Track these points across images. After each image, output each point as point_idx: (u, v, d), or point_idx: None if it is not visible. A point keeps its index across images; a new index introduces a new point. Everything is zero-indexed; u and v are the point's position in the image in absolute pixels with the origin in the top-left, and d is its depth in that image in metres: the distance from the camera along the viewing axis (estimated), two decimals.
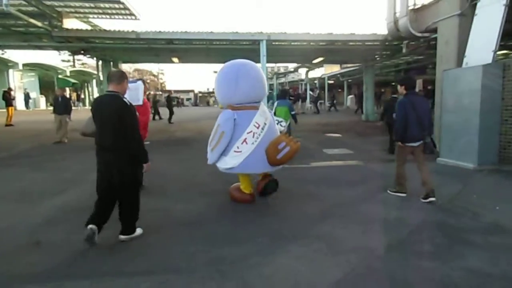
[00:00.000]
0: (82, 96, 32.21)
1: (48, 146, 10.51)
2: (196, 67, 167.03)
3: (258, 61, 16.36)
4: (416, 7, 9.75)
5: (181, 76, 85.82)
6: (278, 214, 4.53)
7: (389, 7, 10.24)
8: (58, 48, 12.52)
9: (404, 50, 11.69)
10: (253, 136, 4.40)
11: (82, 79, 37.99)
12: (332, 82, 37.41)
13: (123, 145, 3.27)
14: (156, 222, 4.17)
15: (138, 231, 3.66)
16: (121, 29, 10.82)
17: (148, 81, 60.53)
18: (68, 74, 34.34)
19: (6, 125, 15.74)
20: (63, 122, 10.91)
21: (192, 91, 55.83)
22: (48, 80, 34.47)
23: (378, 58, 17.11)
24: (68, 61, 40.36)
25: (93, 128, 3.53)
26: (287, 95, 9.34)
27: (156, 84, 62.99)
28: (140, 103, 4.58)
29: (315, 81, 36.98)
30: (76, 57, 14.40)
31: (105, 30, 10.48)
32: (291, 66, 34.05)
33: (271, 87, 33.46)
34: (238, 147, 4.41)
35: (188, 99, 52.22)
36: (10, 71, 28.15)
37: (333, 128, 14.99)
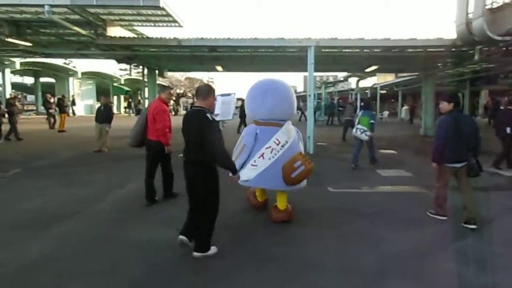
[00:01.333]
0: (133, 103, 33.22)
1: (88, 154, 10.39)
2: (243, 76, 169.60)
3: (305, 70, 15.44)
4: (495, 6, 8.26)
5: (230, 85, 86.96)
6: (315, 266, 3.48)
7: (459, 7, 8.82)
8: (103, 56, 12.62)
9: (476, 57, 10.09)
10: (271, 152, 4.44)
11: (135, 87, 39.52)
12: (384, 92, 35.23)
13: (204, 160, 3.34)
14: None
15: (213, 249, 3.54)
16: (163, 37, 10.51)
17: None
18: (122, 82, 35.89)
19: (59, 131, 16.32)
20: (103, 131, 10.78)
21: (241, 99, 55.63)
22: (104, 88, 36.25)
23: (441, 66, 15.34)
24: (125, 69, 42.34)
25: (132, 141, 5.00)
26: (370, 106, 9.09)
27: None
28: (231, 117, 4.32)
29: (367, 91, 35.05)
30: (133, 65, 14.55)
31: (147, 37, 10.23)
32: (341, 75, 32.69)
33: (319, 96, 32.21)
34: (255, 161, 4.47)
35: (237, 107, 52.18)
36: (70, 79, 29.85)
37: (387, 143, 13.52)
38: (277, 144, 4.47)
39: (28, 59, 23.66)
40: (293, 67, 15.11)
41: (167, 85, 45.15)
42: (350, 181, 7.37)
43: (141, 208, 5.31)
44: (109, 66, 31.85)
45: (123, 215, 5.01)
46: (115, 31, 10.61)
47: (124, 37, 10.34)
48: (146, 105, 27.44)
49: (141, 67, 14.84)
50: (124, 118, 29.57)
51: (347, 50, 12.51)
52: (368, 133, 8.35)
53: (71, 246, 3.93)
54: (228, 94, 4.49)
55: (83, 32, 10.24)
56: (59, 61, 27.58)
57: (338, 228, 4.46)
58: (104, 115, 10.73)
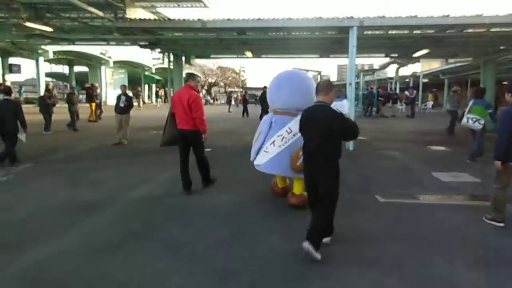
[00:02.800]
0: (162, 92, 32.83)
1: (107, 147, 9.69)
2: (275, 62, 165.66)
3: (345, 53, 13.90)
4: None
5: (262, 73, 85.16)
6: None
7: None
8: (123, 41, 11.85)
9: None
10: (282, 140, 4.63)
11: (167, 76, 39.19)
12: (426, 80, 32.51)
13: (330, 155, 3.35)
14: None
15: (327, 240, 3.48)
16: (187, 19, 9.48)
17: (230, 78, 61.36)
18: (153, 71, 35.66)
19: (89, 121, 15.93)
20: (123, 122, 10.02)
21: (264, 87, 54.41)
22: (136, 77, 36.24)
23: (504, 50, 13.27)
24: (159, 58, 42.16)
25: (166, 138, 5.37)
26: (484, 95, 8.43)
27: (237, 82, 63.38)
28: None
29: (407, 79, 32.54)
30: (157, 51, 13.79)
31: (169, 19, 9.26)
32: (377, 62, 30.39)
33: (357, 85, 30.20)
34: (267, 148, 4.74)
35: (256, 96, 51.17)
36: (102, 67, 29.85)
37: (436, 138, 11.87)
38: (289, 133, 4.61)
39: (60, 48, 23.72)
40: (331, 51, 13.66)
41: (195, 73, 44.74)
42: (402, 187, 6.05)
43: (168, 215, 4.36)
44: (142, 55, 31.30)
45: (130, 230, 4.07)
46: (135, 13, 9.71)
47: (144, 19, 9.42)
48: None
49: (166, 53, 13.96)
50: (151, 108, 29.42)
51: (394, 32, 10.93)
52: (482, 121, 7.85)
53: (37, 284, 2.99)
54: (341, 100, 4.54)
55: (102, 14, 9.44)
56: (92, 50, 27.53)
57: (401, 270, 3.19)
58: (125, 106, 9.95)
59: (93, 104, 16.59)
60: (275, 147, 4.65)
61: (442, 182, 6.38)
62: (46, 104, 12.21)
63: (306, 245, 3.17)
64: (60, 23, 11.29)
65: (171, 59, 14.10)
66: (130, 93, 19.23)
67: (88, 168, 7.15)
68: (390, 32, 10.77)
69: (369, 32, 10.84)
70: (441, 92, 30.80)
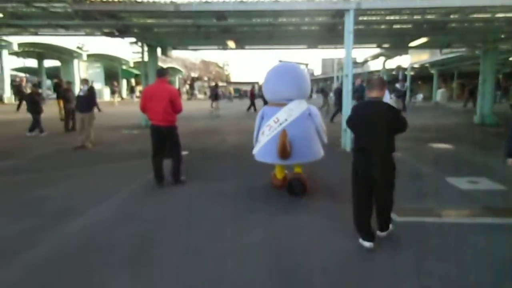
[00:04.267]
0: (138, 88, 30.97)
1: (66, 152, 8.28)
2: (260, 54, 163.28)
3: (335, 43, 12.76)
4: None
5: (246, 67, 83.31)
6: None
7: None
8: (85, 28, 10.35)
9: None
10: (269, 129, 4.83)
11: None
12: (412, 73, 31.75)
13: (390, 148, 3.43)
14: None
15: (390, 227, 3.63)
16: (156, 1, 8.10)
17: (213, 72, 59.70)
18: (132, 65, 33.82)
19: (61, 120, 14.33)
20: (85, 122, 8.62)
21: (257, 83, 53.53)
22: (113, 71, 34.32)
23: (504, 38, 12.35)
24: (139, 52, 39.85)
25: None
26: None
27: (221, 76, 61.82)
28: None
29: (393, 72, 31.76)
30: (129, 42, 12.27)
31: (136, 1, 7.88)
32: (361, 55, 29.34)
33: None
34: (258, 138, 5.05)
35: (245, 91, 49.90)
36: (75, 61, 27.89)
37: (437, 134, 10.90)
38: (275, 122, 4.80)
39: (26, 40, 21.78)
40: (319, 41, 12.47)
41: (177, 68, 42.98)
42: (416, 198, 4.97)
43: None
44: (120, 49, 29.61)
45: None
46: None
47: (106, 1, 7.98)
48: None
49: (139, 44, 12.48)
50: (127, 104, 27.78)
51: (391, 17, 9.81)
52: None
53: None
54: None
55: None
56: (65, 43, 25.57)
57: None
58: (86, 102, 8.54)
59: (60, 101, 15.10)
60: (264, 136, 4.88)
61: (461, 191, 5.34)
62: (34, 102, 10.71)
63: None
64: (14, 8, 9.72)
65: (145, 50, 12.61)
66: (98, 87, 17.81)
67: (34, 182, 5.81)
68: (388, 17, 9.65)
69: (365, 18, 9.69)
70: (429, 85, 30.18)
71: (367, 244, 3.38)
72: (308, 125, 4.96)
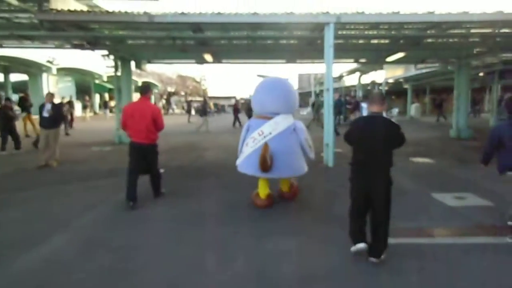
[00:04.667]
0: (112, 103, 29.99)
1: (28, 172, 7.60)
2: (238, 69, 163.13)
3: (314, 58, 12.70)
4: None
5: (223, 82, 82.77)
6: None
7: None
8: (51, 39, 9.76)
9: None
10: (253, 141, 4.83)
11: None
12: (386, 88, 32.52)
13: (389, 163, 3.41)
14: None
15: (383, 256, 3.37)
16: (129, 11, 7.70)
17: (190, 87, 59.09)
18: (105, 79, 32.82)
19: (26, 136, 13.41)
20: (50, 139, 7.97)
21: (234, 97, 53.47)
22: (85, 86, 33.16)
23: (476, 54, 12.69)
24: (113, 66, 38.80)
25: None
26: None
27: (199, 91, 61.36)
28: None
29: (368, 87, 32.46)
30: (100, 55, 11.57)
31: (107, 11, 7.44)
32: (336, 70, 29.78)
33: (319, 93, 29.49)
34: (242, 149, 5.05)
35: (230, 106, 49.73)
36: (44, 75, 26.68)
37: (416, 148, 10.87)
38: (260, 135, 4.81)
39: None
40: (298, 55, 12.37)
41: (153, 83, 42.28)
42: (406, 216, 4.72)
43: None
44: (93, 62, 28.70)
45: None
46: (64, 5, 7.76)
47: (74, 11, 7.49)
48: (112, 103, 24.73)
49: (112, 57, 11.93)
50: (99, 119, 26.74)
51: (370, 32, 9.84)
52: None
53: None
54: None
55: (22, 5, 7.43)
56: (33, 56, 24.46)
57: None
58: (52, 118, 7.91)
59: (26, 117, 14.27)
60: (247, 147, 4.89)
61: (450, 208, 5.19)
62: (8, 117, 9.97)
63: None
64: None
65: (118, 63, 12.07)
66: (65, 101, 17.08)
67: None
68: (366, 32, 9.66)
69: (343, 32, 9.65)
70: (402, 99, 30.89)
71: (359, 245, 3.34)
72: (292, 140, 4.97)
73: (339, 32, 9.31)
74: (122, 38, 9.96)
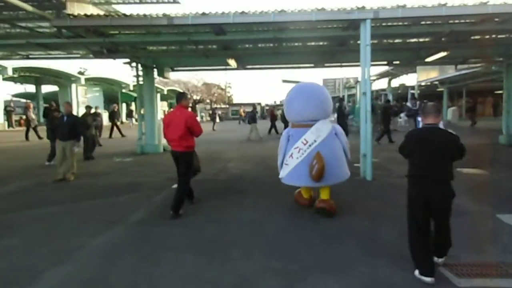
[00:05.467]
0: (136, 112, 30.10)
1: (44, 186, 7.19)
2: (262, 75, 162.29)
3: (350, 59, 11.78)
4: None
5: (248, 88, 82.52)
6: None
7: None
8: (70, 47, 9.47)
9: None
10: (298, 152, 4.74)
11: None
12: (419, 91, 30.87)
13: (448, 175, 3.27)
14: None
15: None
16: (147, 14, 7.20)
17: (216, 94, 59.23)
18: (131, 88, 33.18)
19: None
20: (67, 151, 7.57)
21: (259, 104, 53.02)
22: (113, 95, 33.67)
23: None
24: (135, 76, 39.26)
25: None
26: None
27: (223, 98, 61.39)
28: None
29: (399, 91, 30.96)
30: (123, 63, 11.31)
31: (124, 15, 6.98)
32: (359, 74, 28.61)
33: (350, 99, 28.44)
34: (287, 160, 4.90)
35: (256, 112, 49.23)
36: (73, 86, 27.20)
37: (465, 157, 9.72)
38: (304, 144, 4.74)
39: (21, 64, 21.15)
40: (328, 58, 11.52)
41: (183, 91, 42.54)
42: (472, 246, 3.80)
43: None
44: (120, 72, 29.07)
45: None
46: (82, 10, 7.39)
47: (91, 15, 7.08)
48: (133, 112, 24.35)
49: (134, 64, 11.58)
50: (124, 128, 26.68)
51: (408, 30, 8.89)
52: None
53: None
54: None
55: (40, 12, 7.10)
56: (63, 67, 25.00)
57: None
58: (68, 130, 7.51)
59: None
60: (293, 159, 4.79)
61: None
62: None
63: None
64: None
65: (139, 71, 11.70)
66: (95, 111, 16.97)
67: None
68: (405, 30, 8.71)
69: (378, 31, 8.74)
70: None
71: (427, 279, 3.11)
72: (336, 145, 4.96)
73: (382, 25, 8.42)
74: (142, 44, 9.54)
